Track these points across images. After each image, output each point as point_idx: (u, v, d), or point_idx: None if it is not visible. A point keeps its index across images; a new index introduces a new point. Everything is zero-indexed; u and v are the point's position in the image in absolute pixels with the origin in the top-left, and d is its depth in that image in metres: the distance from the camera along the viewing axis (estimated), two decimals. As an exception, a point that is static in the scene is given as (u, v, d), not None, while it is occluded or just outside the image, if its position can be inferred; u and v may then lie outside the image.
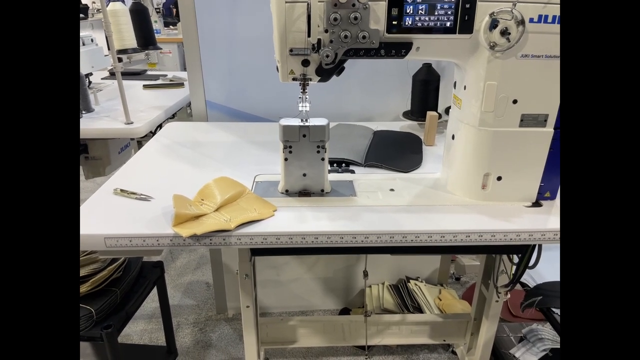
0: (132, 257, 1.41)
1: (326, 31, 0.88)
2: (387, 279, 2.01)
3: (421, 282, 1.99)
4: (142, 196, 1.01)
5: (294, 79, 0.95)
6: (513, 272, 1.23)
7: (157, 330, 1.89)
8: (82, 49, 1.92)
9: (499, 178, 0.99)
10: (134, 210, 0.96)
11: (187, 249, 2.37)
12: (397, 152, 1.30)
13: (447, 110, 1.59)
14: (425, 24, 0.88)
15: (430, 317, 1.73)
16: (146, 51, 2.18)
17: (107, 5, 1.86)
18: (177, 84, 2.30)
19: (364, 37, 0.88)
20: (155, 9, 4.50)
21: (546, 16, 0.84)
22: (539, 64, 0.88)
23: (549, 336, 1.62)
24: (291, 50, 0.91)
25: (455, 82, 1.03)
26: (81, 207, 0.97)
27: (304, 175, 1.02)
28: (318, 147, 0.98)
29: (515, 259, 1.20)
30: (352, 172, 1.19)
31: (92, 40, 1.99)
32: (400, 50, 0.91)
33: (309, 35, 0.88)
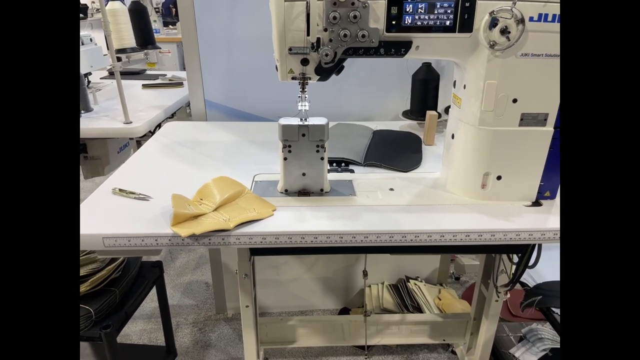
0: (131, 257, 1.41)
1: (325, 30, 0.88)
2: (387, 278, 2.01)
3: (421, 281, 1.99)
4: (140, 196, 1.00)
5: (293, 78, 0.95)
6: (513, 271, 1.23)
7: (156, 330, 1.88)
8: (81, 49, 1.91)
9: (499, 177, 0.98)
10: (132, 210, 0.95)
11: (186, 249, 2.37)
12: (396, 152, 1.30)
13: (446, 110, 1.59)
14: (425, 22, 0.88)
15: (429, 316, 1.73)
16: (145, 51, 2.17)
17: (106, 5, 1.86)
18: (176, 84, 2.29)
19: (363, 36, 0.88)
20: (155, 8, 4.49)
21: (546, 15, 0.84)
22: (538, 62, 0.88)
23: (548, 336, 1.61)
24: (290, 50, 0.91)
25: (454, 81, 1.03)
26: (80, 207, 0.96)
27: (304, 174, 1.01)
28: (317, 146, 0.98)
29: (515, 258, 1.20)
30: (352, 171, 1.19)
31: (91, 39, 1.98)
32: (399, 49, 0.91)
33: (308, 34, 0.88)
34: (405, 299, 1.88)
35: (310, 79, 0.95)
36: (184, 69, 1.82)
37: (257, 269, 1.50)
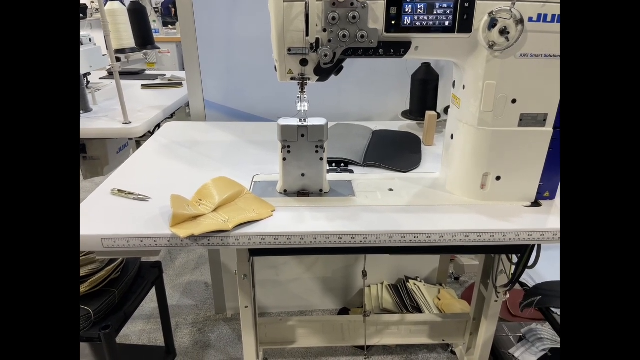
0: (130, 257, 1.40)
1: (324, 30, 0.88)
2: (386, 278, 2.01)
3: (420, 282, 1.99)
4: (139, 196, 1.00)
5: (292, 79, 0.95)
6: (512, 271, 1.23)
7: (155, 330, 1.88)
8: (80, 49, 1.91)
9: (498, 178, 0.98)
10: (131, 211, 0.95)
11: (185, 249, 2.37)
12: (396, 152, 1.29)
13: (446, 110, 1.59)
14: (424, 23, 0.87)
15: (429, 317, 1.73)
16: (144, 51, 2.17)
17: (105, 5, 1.86)
18: (175, 84, 2.29)
19: (362, 37, 0.88)
20: (154, 8, 4.49)
21: (545, 15, 0.84)
22: (538, 63, 0.88)
23: (548, 336, 1.61)
24: (289, 50, 0.90)
25: (454, 82, 1.03)
26: (78, 208, 0.96)
27: (303, 175, 1.01)
28: (317, 147, 0.98)
29: (515, 258, 1.20)
30: (351, 172, 1.19)
31: (90, 39, 1.98)
32: (399, 49, 0.91)
33: (307, 35, 0.88)
34: (404, 299, 1.88)
35: (309, 79, 0.95)
36: (183, 69, 1.82)
37: (257, 269, 1.50)
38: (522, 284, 1.87)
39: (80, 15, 3.34)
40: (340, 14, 0.86)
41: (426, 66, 1.52)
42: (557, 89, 0.90)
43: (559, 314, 1.49)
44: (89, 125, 1.67)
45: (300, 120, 0.96)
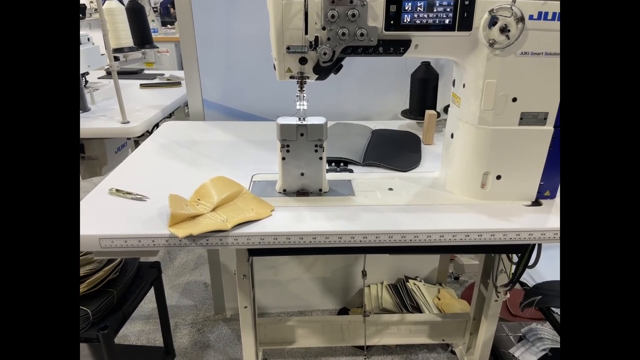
0: (129, 257, 1.40)
1: (324, 29, 0.87)
2: (386, 278, 2.01)
3: (420, 281, 1.98)
4: (137, 196, 1.00)
5: (291, 77, 0.94)
6: (512, 271, 1.22)
7: (154, 331, 1.87)
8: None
9: (499, 177, 0.98)
10: (129, 211, 0.95)
11: (184, 249, 2.36)
12: (395, 151, 1.29)
13: (445, 109, 1.58)
14: (424, 21, 0.87)
15: (429, 316, 1.72)
16: (143, 50, 2.16)
17: (103, 4, 1.85)
18: (174, 83, 2.28)
19: (362, 35, 0.87)
20: (153, 8, 4.48)
21: (546, 13, 0.84)
22: (538, 61, 0.87)
23: (548, 335, 1.61)
24: (288, 48, 0.90)
25: (454, 80, 1.02)
26: (76, 208, 0.95)
27: (302, 174, 1.01)
28: (316, 146, 0.98)
29: (515, 258, 1.20)
30: (351, 171, 1.18)
31: (88, 39, 1.97)
32: (398, 48, 0.91)
33: (306, 33, 0.87)
34: (404, 299, 1.88)
35: (308, 78, 0.94)
36: (181, 68, 1.81)
37: (256, 269, 1.49)
38: (522, 284, 1.87)
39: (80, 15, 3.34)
40: (340, 11, 0.85)
41: (426, 65, 1.52)
42: (558, 88, 0.90)
43: (559, 313, 1.48)
44: (87, 124, 1.66)
45: (300, 119, 0.96)
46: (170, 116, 1.96)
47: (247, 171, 1.14)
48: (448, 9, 0.86)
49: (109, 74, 2.47)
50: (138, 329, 1.89)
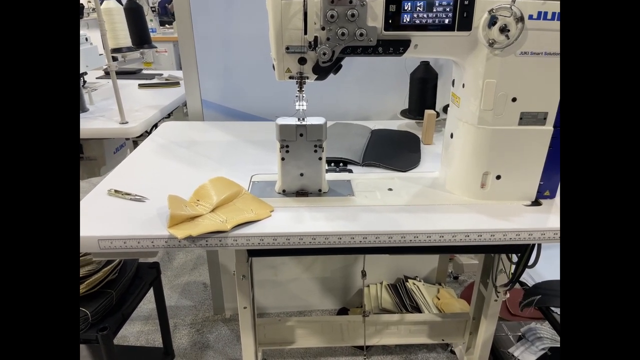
0: (128, 258, 1.39)
1: (323, 29, 0.87)
2: (385, 278, 2.01)
3: (419, 281, 1.98)
4: (136, 197, 0.99)
5: (290, 78, 0.94)
6: (512, 271, 1.22)
7: (153, 331, 1.87)
8: (76, 48, 1.90)
9: (498, 177, 0.98)
10: (128, 211, 0.94)
11: (184, 250, 2.36)
12: (395, 151, 1.29)
13: (445, 109, 1.58)
14: (424, 21, 0.87)
15: (428, 316, 1.72)
16: (141, 50, 2.16)
17: (101, 4, 1.84)
18: (172, 83, 2.28)
19: (361, 35, 0.87)
20: (151, 7, 4.47)
21: (545, 13, 0.83)
22: (538, 61, 0.87)
23: (547, 335, 1.61)
24: (287, 48, 0.90)
25: (453, 80, 1.02)
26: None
27: (301, 175, 1.00)
28: (315, 146, 0.97)
29: (515, 258, 1.20)
30: (350, 171, 1.18)
31: (86, 39, 1.96)
32: (398, 47, 0.90)
33: (305, 33, 0.87)
34: (404, 299, 1.88)
35: (307, 78, 0.94)
36: (180, 68, 1.81)
37: (255, 270, 1.49)
38: (522, 283, 1.87)
39: (77, 14, 3.32)
40: (339, 11, 0.85)
41: (425, 65, 1.51)
42: (558, 88, 0.90)
43: (558, 313, 1.48)
44: (86, 125, 1.66)
45: (299, 119, 0.96)
46: (169, 116, 1.95)
47: (246, 171, 1.13)
48: (447, 9, 0.86)
49: (107, 74, 2.46)
50: (137, 330, 1.89)
